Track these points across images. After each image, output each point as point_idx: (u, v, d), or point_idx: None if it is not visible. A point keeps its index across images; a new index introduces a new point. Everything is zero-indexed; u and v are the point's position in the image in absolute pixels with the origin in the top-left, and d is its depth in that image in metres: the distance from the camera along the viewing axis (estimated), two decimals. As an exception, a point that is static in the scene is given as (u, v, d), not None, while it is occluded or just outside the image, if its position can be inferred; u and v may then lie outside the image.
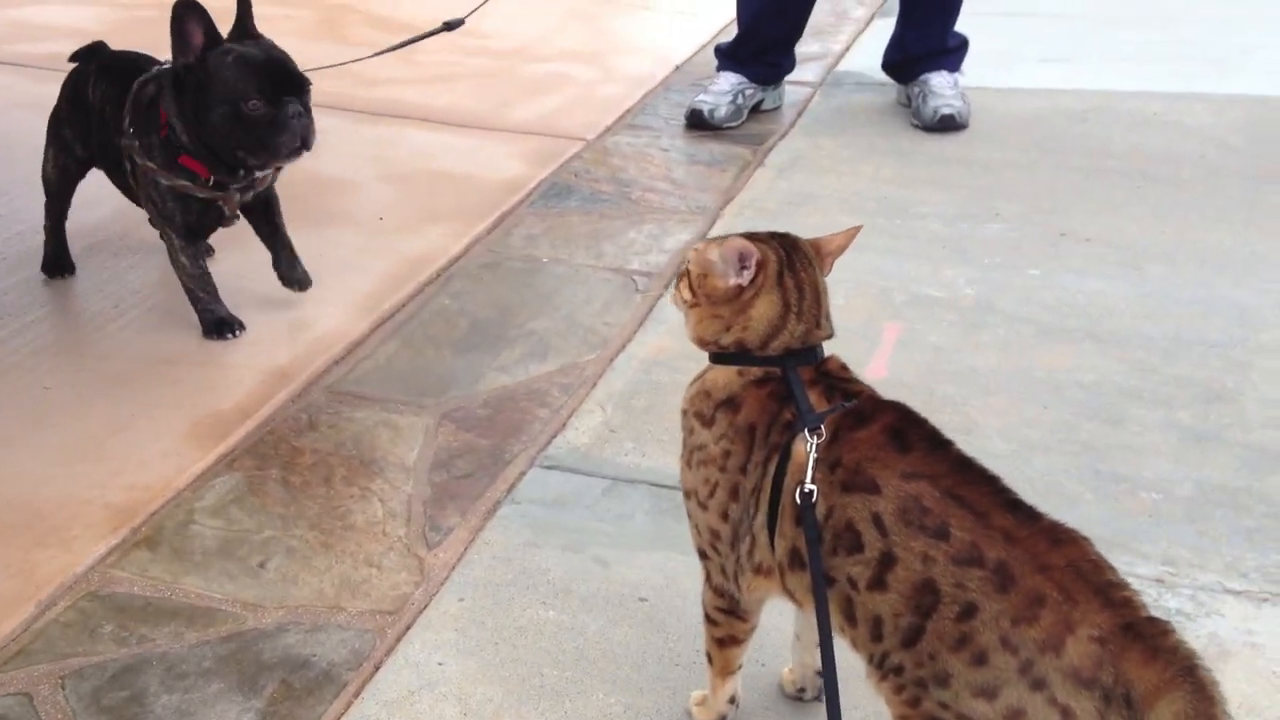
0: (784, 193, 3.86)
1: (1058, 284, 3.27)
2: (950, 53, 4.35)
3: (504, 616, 2.13)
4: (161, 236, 2.98)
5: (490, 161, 4.01)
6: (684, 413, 1.77)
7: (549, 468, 2.54)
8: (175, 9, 2.62)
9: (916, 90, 4.35)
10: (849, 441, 1.58)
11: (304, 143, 2.69)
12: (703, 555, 1.79)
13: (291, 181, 3.18)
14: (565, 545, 2.31)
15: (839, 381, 1.69)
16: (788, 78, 4.57)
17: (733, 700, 1.89)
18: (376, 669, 2.03)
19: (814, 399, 1.64)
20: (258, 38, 2.72)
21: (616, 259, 3.42)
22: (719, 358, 1.73)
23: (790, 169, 4.05)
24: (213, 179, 2.79)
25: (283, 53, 2.71)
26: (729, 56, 4.41)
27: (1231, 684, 2.00)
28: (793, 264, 1.70)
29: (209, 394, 2.74)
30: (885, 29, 4.57)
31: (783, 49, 4.41)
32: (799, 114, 4.50)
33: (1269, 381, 2.82)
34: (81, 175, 3.15)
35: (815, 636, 1.72)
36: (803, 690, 1.97)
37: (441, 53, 4.96)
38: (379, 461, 2.53)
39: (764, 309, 1.67)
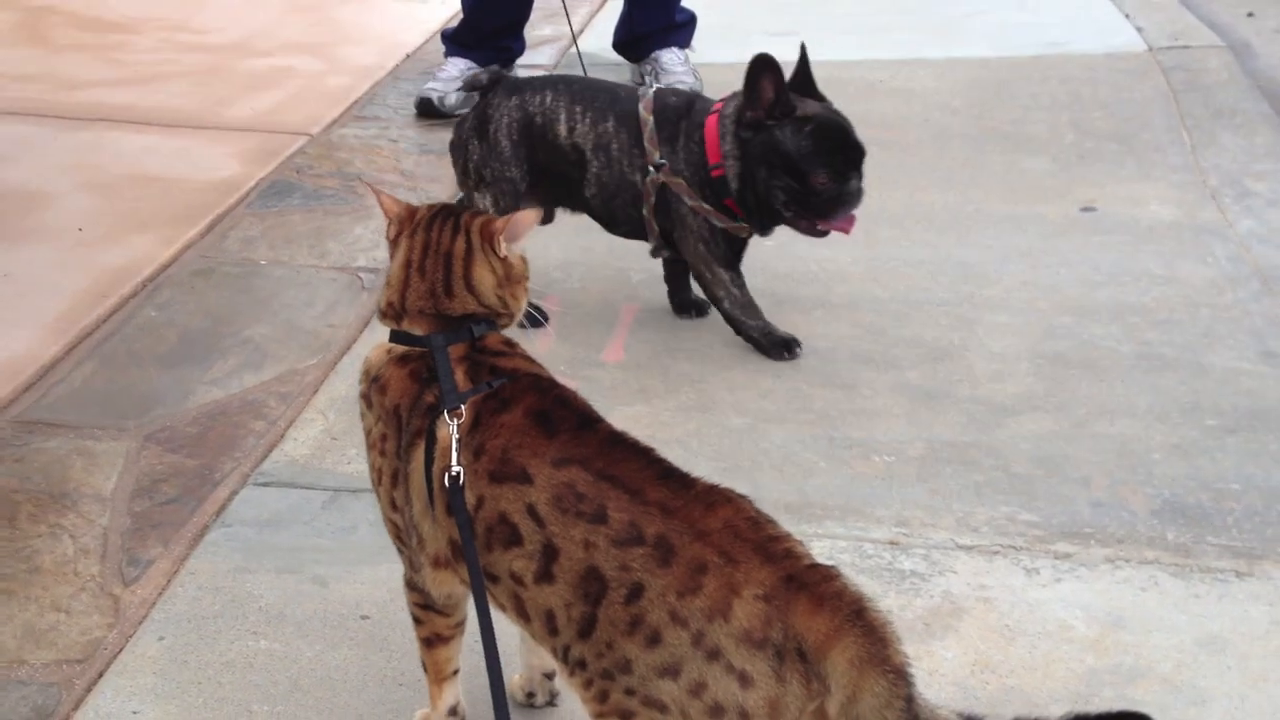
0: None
1: (791, 254, 3.26)
2: (678, 28, 4.32)
3: (209, 652, 1.96)
4: (700, 267, 2.81)
5: (204, 163, 3.77)
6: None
7: (264, 484, 2.37)
8: (753, 63, 2.59)
9: (649, 68, 4.30)
10: (492, 427, 1.52)
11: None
12: (398, 549, 1.72)
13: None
14: (280, 567, 2.15)
15: (489, 358, 1.61)
16: (520, 61, 4.46)
17: (455, 711, 1.77)
18: (66, 725, 1.84)
19: (460, 378, 1.57)
20: (820, 98, 2.68)
21: (342, 257, 3.25)
22: (393, 335, 1.68)
23: (524, 154, 3.93)
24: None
25: (846, 121, 2.67)
26: (456, 42, 4.27)
27: (966, 641, 2.00)
28: (430, 227, 1.67)
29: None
30: (619, 9, 4.50)
31: (511, 32, 4.29)
32: (533, 97, 4.39)
33: (994, 336, 2.86)
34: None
35: None
36: (532, 695, 1.87)
37: (152, 50, 4.67)
38: (71, 494, 2.31)
39: (394, 264, 1.69)
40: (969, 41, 4.79)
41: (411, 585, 1.70)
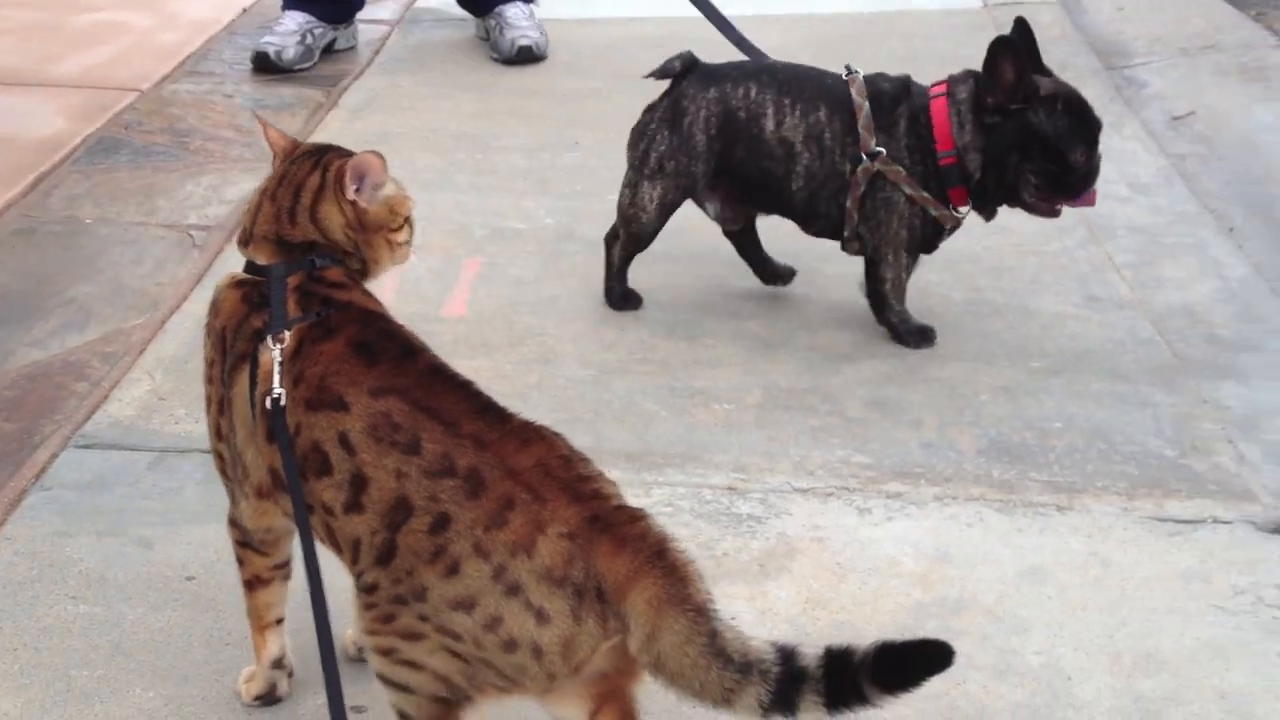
0: (359, 133, 3.67)
1: (634, 207, 3.25)
2: (522, -18, 4.27)
3: (25, 619, 1.90)
4: (871, 255, 2.64)
5: (28, 120, 3.62)
6: None
7: (86, 447, 2.29)
8: (992, 46, 2.46)
9: (493, 23, 4.25)
10: (312, 355, 1.51)
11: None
12: (224, 483, 1.70)
13: None
14: (102, 530, 2.08)
15: (324, 289, 1.60)
16: (362, 16, 4.37)
17: (281, 664, 1.74)
18: None
19: (290, 306, 1.57)
20: (1047, 73, 2.54)
21: (172, 214, 3.15)
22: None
23: (366, 109, 3.86)
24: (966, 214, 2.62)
25: (1081, 94, 2.54)
26: (293, -5, 4.16)
27: (799, 580, 2.03)
28: (296, 160, 1.69)
29: None
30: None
31: (352, -15, 4.21)
32: (375, 53, 4.32)
33: (833, 284, 2.90)
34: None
35: None
36: (363, 650, 1.84)
37: (-28, 5, 4.46)
38: (-121, 461, 2.21)
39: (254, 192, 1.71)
40: (813, -2, 4.84)
41: (233, 521, 1.69)
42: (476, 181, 3.40)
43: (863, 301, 2.73)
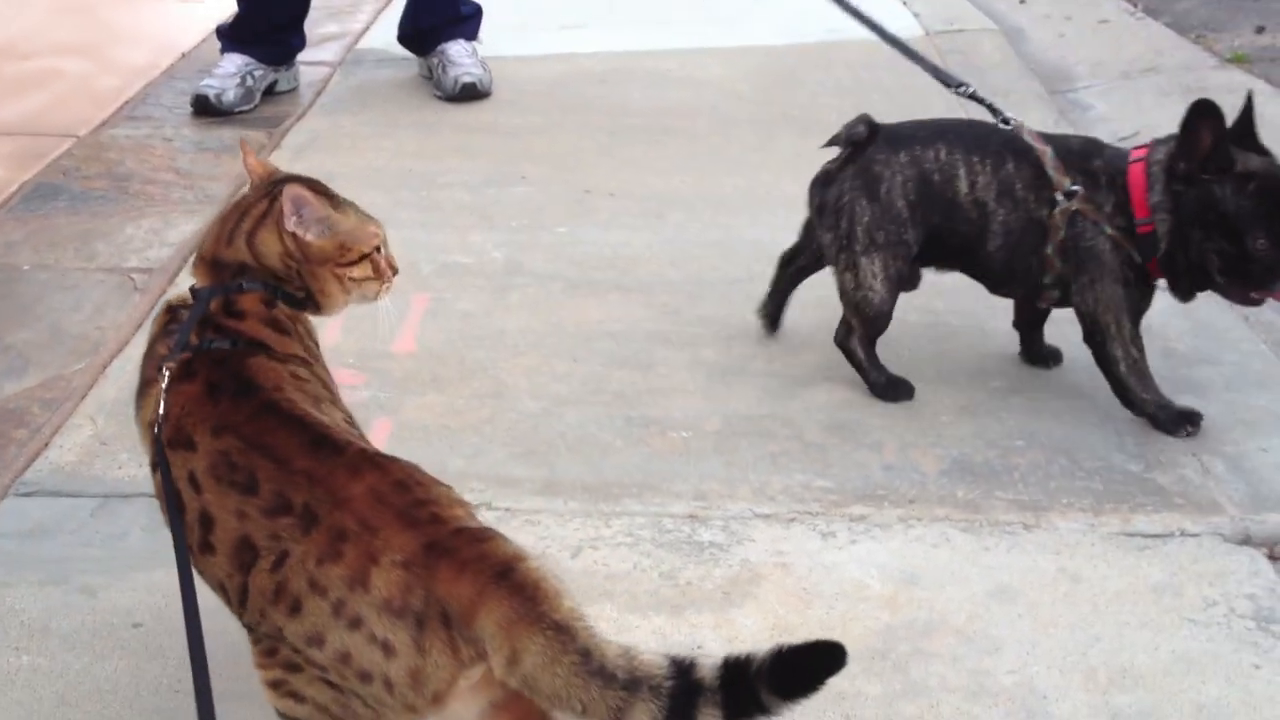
0: (306, 169, 3.62)
1: (584, 239, 3.23)
2: (464, 20, 4.25)
3: (-37, 672, 1.82)
4: (1091, 331, 2.46)
5: (-39, 168, 3.54)
6: None
7: (26, 495, 2.21)
8: (1191, 110, 2.26)
9: (436, 61, 4.22)
10: (176, 394, 1.51)
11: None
12: None
13: None
14: (44, 579, 2.00)
15: (225, 318, 1.60)
16: (303, 57, 4.33)
17: None
18: None
19: (195, 333, 1.58)
20: (1264, 152, 2.30)
21: (112, 258, 3.08)
22: None
23: (308, 149, 3.81)
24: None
25: None
26: (232, 38, 4.11)
27: (765, 606, 1.99)
28: (259, 187, 1.71)
29: None
30: (402, 4, 4.41)
31: (292, 28, 4.16)
32: (317, 94, 4.27)
33: (789, 312, 2.87)
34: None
35: None
36: None
37: (-98, 55, 4.38)
38: None
39: None
40: (753, 29, 4.85)
41: None
42: (422, 218, 3.35)
43: (818, 326, 2.71)
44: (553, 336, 2.78)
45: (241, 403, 1.49)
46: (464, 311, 2.90)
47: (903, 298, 2.85)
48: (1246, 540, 2.12)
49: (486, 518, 2.17)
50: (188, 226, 3.25)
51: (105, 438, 2.38)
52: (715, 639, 1.91)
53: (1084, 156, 2.42)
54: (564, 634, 1.32)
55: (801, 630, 1.93)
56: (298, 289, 1.68)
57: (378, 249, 1.72)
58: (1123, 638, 1.91)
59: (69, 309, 2.83)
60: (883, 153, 2.46)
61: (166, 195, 3.45)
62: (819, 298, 2.74)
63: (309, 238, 1.65)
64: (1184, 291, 2.41)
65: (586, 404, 2.54)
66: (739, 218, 3.35)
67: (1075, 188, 2.36)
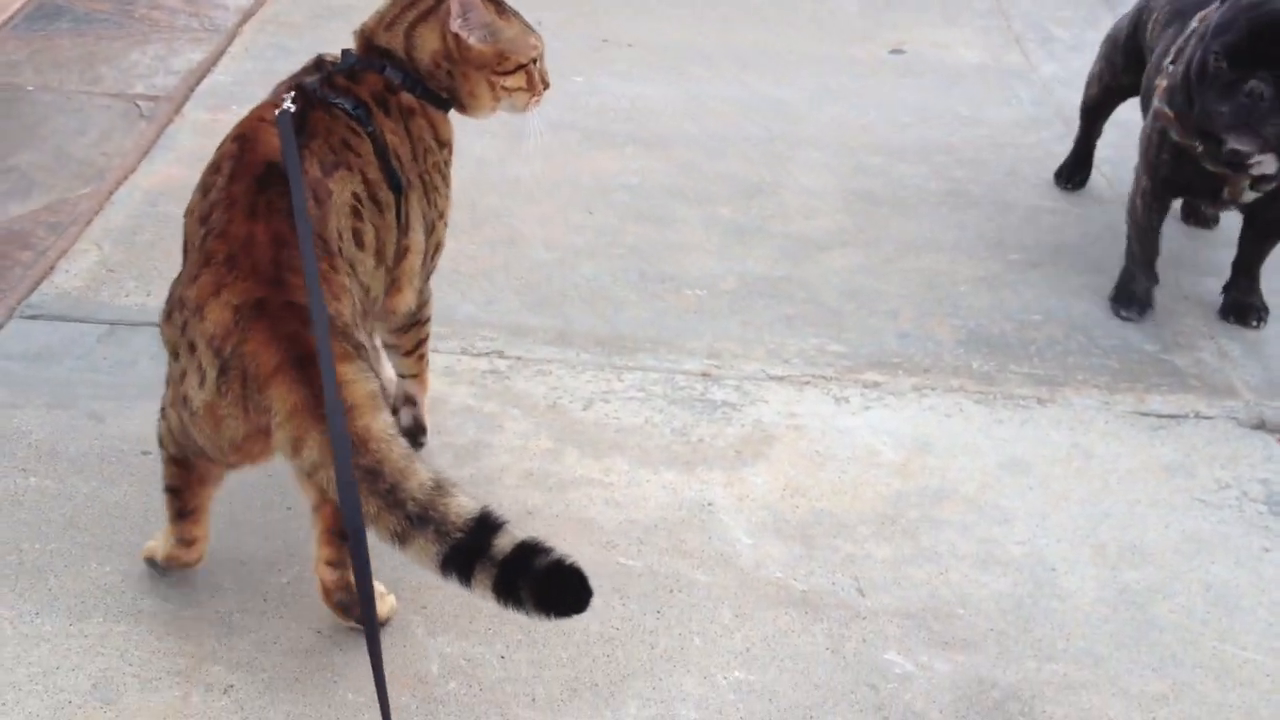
0: (312, 6, 3.52)
1: (601, 89, 3.15)
2: None
3: (-29, 491, 1.80)
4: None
5: (-40, -19, 3.42)
6: None
7: (32, 317, 2.18)
8: None
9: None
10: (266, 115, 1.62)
11: (1250, 130, 2.06)
12: None
13: None
14: (51, 402, 1.98)
15: (344, 83, 1.68)
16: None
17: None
18: None
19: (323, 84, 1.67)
20: None
21: (117, 84, 3.00)
22: None
23: (319, -16, 3.69)
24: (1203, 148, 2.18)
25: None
26: None
27: (777, 467, 1.98)
28: None
29: None
30: None
31: None
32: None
33: (806, 172, 2.83)
34: (1113, 101, 2.71)
35: None
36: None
37: None
38: None
39: None
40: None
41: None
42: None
43: (836, 189, 2.66)
44: (568, 186, 2.73)
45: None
46: (477, 158, 2.83)
47: (924, 167, 2.81)
48: (1261, 425, 2.11)
49: (499, 366, 2.16)
50: (194, 55, 3.15)
51: (112, 264, 2.33)
52: (726, 496, 1.91)
53: (1201, 19, 2.26)
54: (358, 446, 1.32)
55: (812, 492, 1.93)
56: (442, 88, 1.70)
57: (535, 61, 1.72)
58: (1133, 515, 1.91)
59: (74, 132, 2.76)
60: None
61: (172, 22, 3.35)
62: (834, 161, 2.69)
63: (471, 40, 1.67)
64: (1212, 152, 2.18)
65: (601, 256, 2.50)
66: (760, 75, 3.27)
67: (1171, 65, 2.26)
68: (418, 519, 1.31)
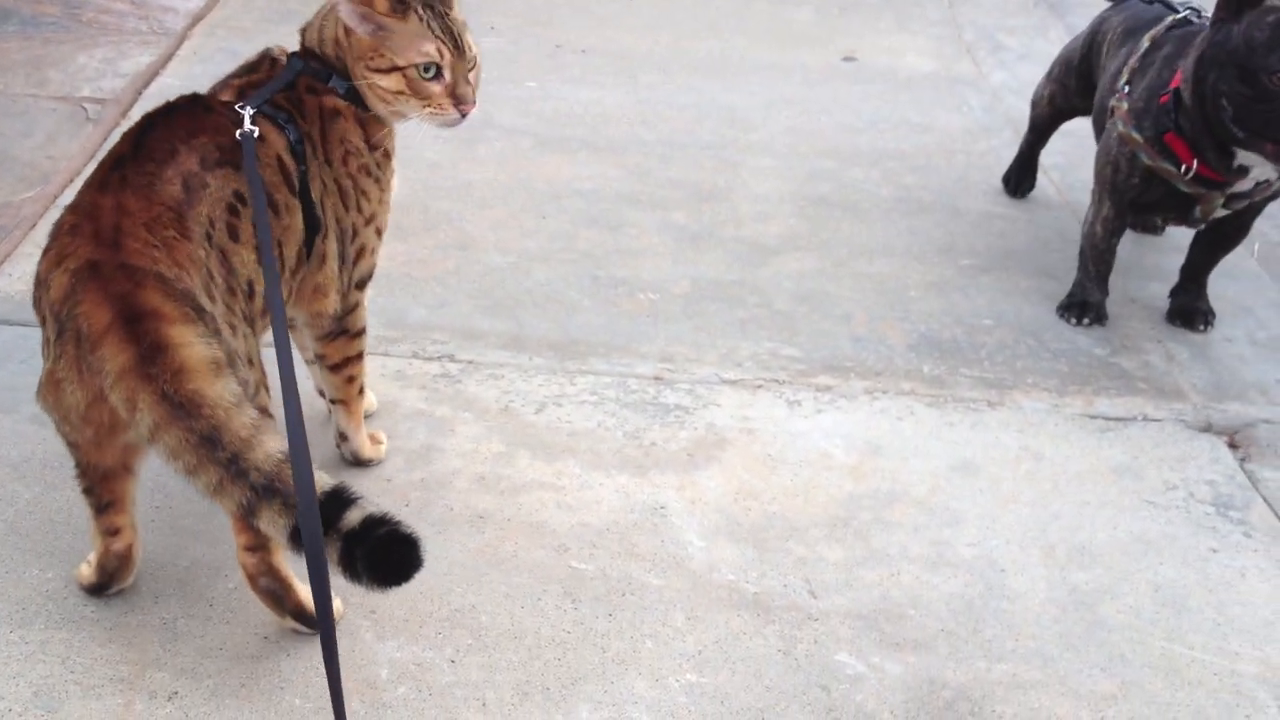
0: (262, 10, 3.50)
1: (555, 94, 3.15)
2: None
3: (-91, 496, 1.77)
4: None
5: (-97, -18, 3.37)
6: None
7: (-26, 322, 2.15)
8: None
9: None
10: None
11: None
12: None
13: None
14: (-7, 407, 1.95)
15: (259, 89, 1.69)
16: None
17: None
18: None
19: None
20: None
21: (64, 87, 2.96)
22: None
23: (269, -12, 3.67)
24: (1193, 170, 2.15)
25: None
26: None
27: (729, 470, 1.98)
28: None
29: None
30: None
31: None
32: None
33: (759, 178, 2.83)
34: (1061, 120, 2.75)
35: None
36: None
37: None
38: None
39: None
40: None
41: None
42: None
43: (788, 195, 2.67)
44: (521, 191, 2.72)
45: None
46: (430, 161, 2.82)
47: (876, 173, 2.82)
48: (1208, 427, 2.14)
49: (450, 370, 2.14)
50: (142, 58, 3.12)
51: (56, 269, 2.30)
52: (678, 500, 1.90)
53: (1157, 41, 2.32)
54: (181, 409, 1.31)
55: (765, 495, 1.93)
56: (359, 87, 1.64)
57: (424, 69, 1.60)
58: (1082, 516, 1.92)
59: (19, 135, 2.72)
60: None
61: (120, 25, 3.32)
62: (786, 167, 2.70)
63: (357, 28, 1.60)
64: (1221, 163, 2.15)
65: (554, 261, 2.49)
66: (712, 81, 3.28)
67: (1126, 86, 2.30)
68: (264, 490, 1.29)
